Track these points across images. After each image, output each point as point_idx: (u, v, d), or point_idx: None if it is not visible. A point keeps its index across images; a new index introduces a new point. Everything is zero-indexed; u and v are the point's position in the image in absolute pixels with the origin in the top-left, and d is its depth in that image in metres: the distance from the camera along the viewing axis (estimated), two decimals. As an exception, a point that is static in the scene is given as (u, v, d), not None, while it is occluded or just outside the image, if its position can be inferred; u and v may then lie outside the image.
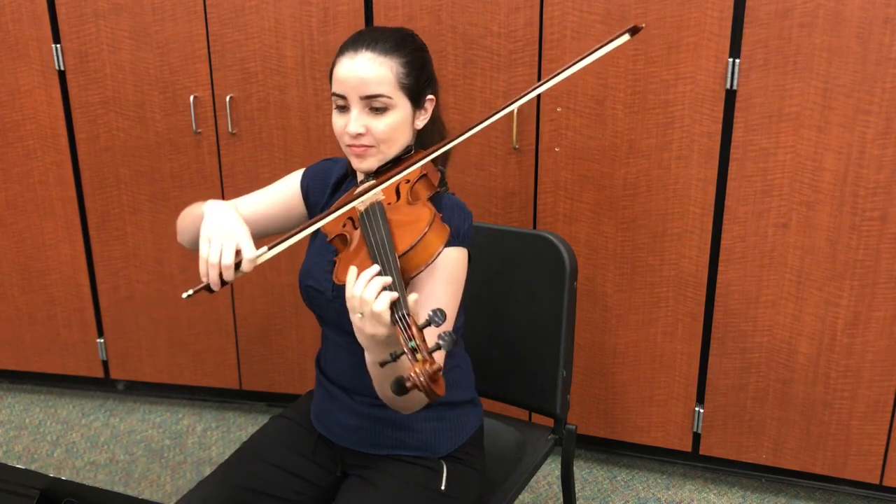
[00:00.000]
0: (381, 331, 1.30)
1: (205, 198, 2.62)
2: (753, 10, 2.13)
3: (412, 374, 1.21)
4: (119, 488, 2.60)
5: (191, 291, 1.39)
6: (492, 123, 1.55)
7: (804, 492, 2.54)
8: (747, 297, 2.35)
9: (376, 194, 1.50)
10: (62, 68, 2.62)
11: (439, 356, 1.42)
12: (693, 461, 2.59)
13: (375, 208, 1.47)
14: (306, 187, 1.73)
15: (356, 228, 1.50)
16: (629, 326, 2.47)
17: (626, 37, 1.54)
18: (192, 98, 2.56)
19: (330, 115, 2.48)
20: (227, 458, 1.72)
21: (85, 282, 2.84)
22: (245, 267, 1.42)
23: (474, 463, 1.69)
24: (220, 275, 1.41)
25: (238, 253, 1.41)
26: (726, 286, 2.36)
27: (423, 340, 1.25)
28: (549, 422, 1.96)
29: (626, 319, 2.47)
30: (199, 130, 2.60)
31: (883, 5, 2.04)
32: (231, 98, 2.54)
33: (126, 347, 2.90)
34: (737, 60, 2.17)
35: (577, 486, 2.55)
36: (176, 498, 2.42)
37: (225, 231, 1.44)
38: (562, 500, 2.02)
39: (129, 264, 2.79)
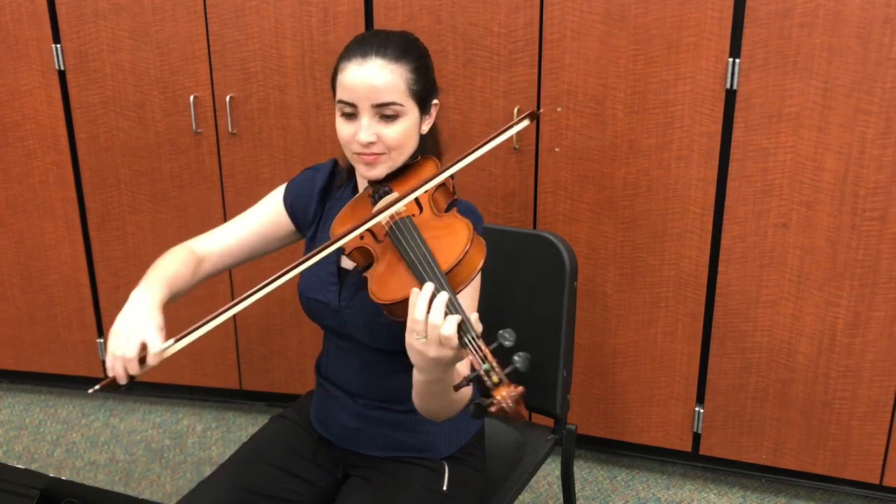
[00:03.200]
0: (447, 353, 1.26)
1: (205, 198, 2.65)
2: (753, 10, 2.13)
3: (498, 399, 1.18)
4: (119, 488, 2.60)
5: (98, 386, 1.41)
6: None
7: (804, 492, 2.54)
8: (747, 297, 2.35)
9: (396, 209, 1.46)
10: (62, 68, 2.62)
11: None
12: (693, 461, 2.59)
13: (406, 222, 1.44)
14: (290, 204, 1.70)
15: (379, 242, 1.47)
16: (629, 326, 2.47)
17: (526, 122, 1.53)
18: (192, 98, 2.56)
19: (330, 115, 2.50)
20: (227, 458, 1.72)
21: (85, 282, 2.84)
22: (150, 361, 1.41)
23: (476, 463, 1.69)
24: (125, 369, 1.41)
25: (143, 347, 1.41)
26: (726, 286, 2.36)
27: (498, 363, 1.21)
28: (549, 422, 1.96)
29: (626, 319, 2.47)
30: (199, 130, 2.60)
31: (883, 5, 2.04)
32: (231, 98, 2.54)
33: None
34: (737, 60, 2.17)
35: (577, 486, 2.55)
36: (176, 498, 2.42)
37: (132, 325, 1.44)
38: (562, 500, 2.02)
39: (129, 264, 2.79)
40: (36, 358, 2.97)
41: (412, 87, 1.53)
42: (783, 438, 2.44)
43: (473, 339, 1.24)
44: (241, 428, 2.88)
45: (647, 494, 2.57)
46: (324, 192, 1.70)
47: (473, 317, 1.27)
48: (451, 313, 1.26)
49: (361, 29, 2.41)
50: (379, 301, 1.38)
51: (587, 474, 2.65)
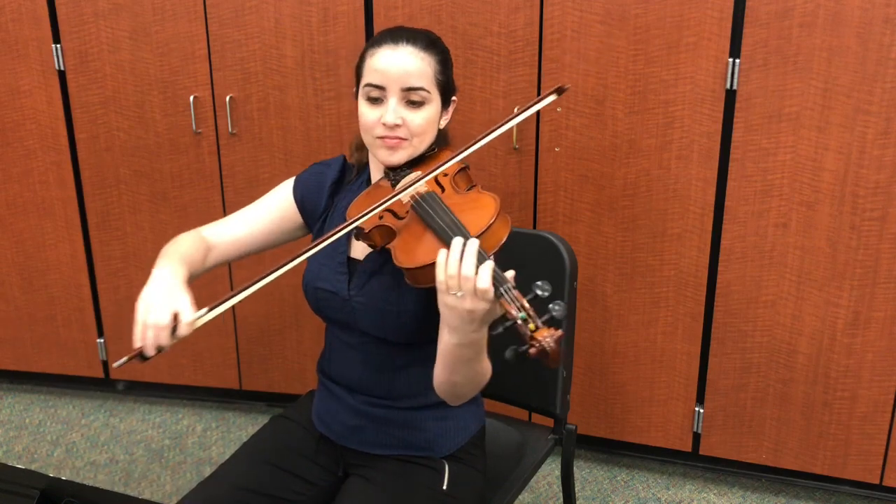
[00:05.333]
0: (484, 306, 1.29)
1: (205, 198, 2.65)
2: (753, 10, 2.13)
3: (537, 340, 1.21)
4: (119, 488, 2.60)
5: (123, 360, 1.40)
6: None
7: (804, 492, 2.54)
8: (747, 297, 2.35)
9: (417, 186, 1.49)
10: (62, 68, 2.62)
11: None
12: (693, 461, 2.59)
13: (433, 195, 1.47)
14: (300, 196, 1.71)
15: (401, 218, 1.49)
16: (629, 326, 2.47)
17: (554, 96, 1.54)
18: (192, 98, 2.56)
19: (329, 115, 2.51)
20: (227, 458, 1.72)
21: (85, 282, 2.84)
22: (182, 331, 1.41)
23: (476, 462, 1.69)
24: (156, 337, 1.40)
25: (175, 316, 1.40)
26: (726, 286, 2.36)
27: (535, 311, 1.24)
28: (549, 422, 1.96)
29: (626, 319, 2.47)
30: (199, 130, 2.60)
31: (883, 5, 2.04)
32: (231, 98, 2.54)
33: (126, 347, 2.86)
34: (737, 60, 2.17)
35: (577, 486, 2.55)
36: (176, 498, 2.42)
37: (162, 295, 1.43)
38: (562, 500, 2.02)
39: (129, 264, 2.79)
40: (36, 358, 2.97)
41: (438, 78, 1.57)
42: (783, 438, 2.44)
43: (509, 289, 1.27)
44: (241, 428, 2.88)
45: (647, 494, 2.57)
46: (334, 186, 1.71)
47: (510, 273, 1.30)
48: (486, 266, 1.28)
49: (361, 29, 2.41)
50: (406, 266, 1.39)
51: (587, 474, 2.65)
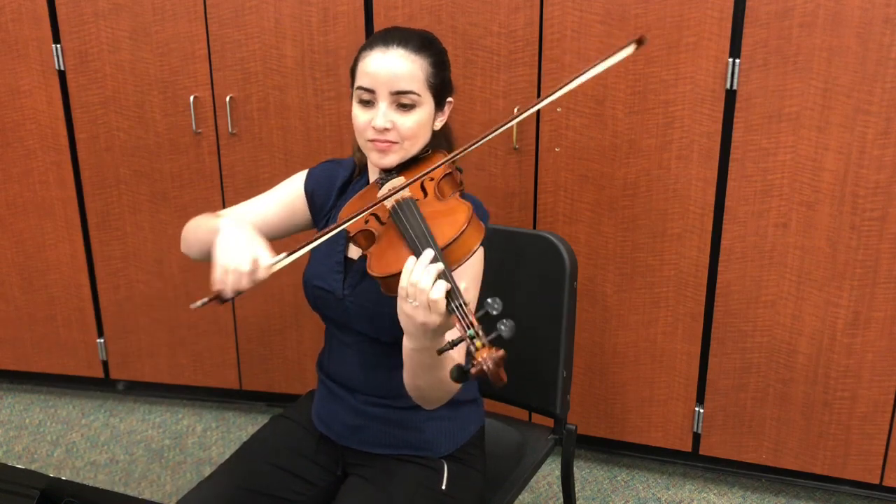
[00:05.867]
0: (435, 319, 1.30)
1: (205, 198, 2.65)
2: (753, 10, 2.13)
3: (478, 361, 1.21)
4: (119, 488, 2.60)
5: (200, 303, 1.40)
6: (493, 124, 1.55)
7: (804, 492, 2.54)
8: (747, 297, 2.35)
9: (399, 192, 1.49)
10: (62, 68, 2.62)
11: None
12: (693, 461, 2.59)
13: (409, 203, 1.47)
14: (311, 190, 1.72)
15: (382, 224, 1.50)
16: (629, 326, 2.47)
17: (633, 47, 1.53)
18: (192, 98, 2.56)
19: (329, 115, 2.51)
20: (227, 458, 1.72)
21: (85, 282, 2.84)
22: (261, 274, 1.41)
23: (475, 462, 1.69)
24: (238, 281, 1.40)
25: (255, 261, 1.41)
26: (726, 286, 2.36)
27: (482, 329, 1.25)
28: (549, 422, 1.96)
29: (626, 319, 2.47)
30: (199, 130, 2.60)
31: (883, 5, 2.04)
32: (231, 98, 2.54)
33: (126, 347, 2.90)
34: (737, 60, 2.17)
35: (577, 486, 2.55)
36: (176, 498, 2.42)
37: (242, 241, 1.43)
38: (562, 500, 2.02)
39: (129, 264, 2.79)
40: (36, 358, 2.97)
41: (430, 80, 1.56)
42: (783, 438, 2.44)
43: (460, 305, 1.28)
44: (241, 428, 2.88)
45: (647, 494, 2.57)
46: (343, 186, 1.72)
47: (463, 285, 1.30)
48: (442, 280, 1.29)
49: (361, 29, 2.41)
50: (375, 274, 1.40)
51: (587, 474, 2.65)
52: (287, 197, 1.72)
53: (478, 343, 1.23)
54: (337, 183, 1.71)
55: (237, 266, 1.40)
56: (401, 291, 1.33)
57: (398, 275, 1.35)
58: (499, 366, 1.21)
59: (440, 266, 1.30)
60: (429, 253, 1.32)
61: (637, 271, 2.42)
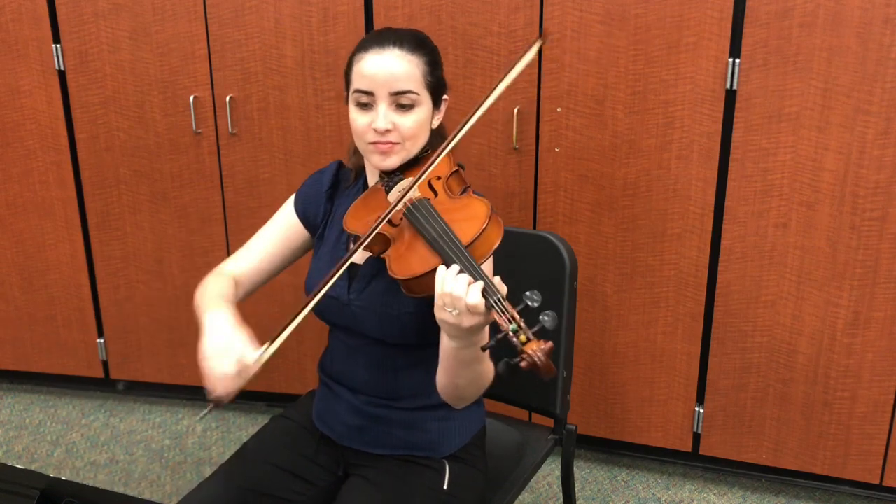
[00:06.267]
0: (480, 320, 1.31)
1: (205, 198, 2.65)
2: (753, 10, 2.13)
3: (528, 353, 1.21)
4: (119, 488, 2.60)
5: (205, 412, 1.46)
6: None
7: (804, 492, 2.54)
8: (747, 297, 2.35)
9: (411, 194, 1.49)
10: (62, 68, 2.62)
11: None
12: (693, 461, 2.59)
13: (424, 202, 1.47)
14: (302, 211, 1.72)
15: (395, 226, 1.49)
16: (629, 326, 2.47)
17: (539, 42, 1.55)
18: (192, 98, 2.56)
19: (329, 115, 2.50)
20: (227, 458, 1.72)
21: (85, 282, 2.84)
22: (251, 370, 1.45)
23: (477, 462, 1.69)
24: (226, 387, 1.44)
25: (239, 362, 1.44)
26: (726, 286, 2.36)
27: (525, 322, 1.25)
28: (549, 422, 1.96)
29: (626, 319, 2.47)
30: (199, 130, 2.60)
31: (883, 5, 2.04)
32: (231, 98, 2.54)
33: (126, 347, 2.90)
34: (737, 60, 2.17)
35: (577, 486, 2.55)
36: (176, 498, 2.42)
37: (223, 344, 1.47)
38: (562, 500, 2.02)
39: (129, 264, 2.79)
40: (36, 358, 2.97)
41: (427, 79, 1.57)
42: (783, 438, 2.44)
43: (499, 300, 1.28)
44: (241, 428, 2.88)
45: (647, 494, 2.57)
46: (331, 191, 1.71)
47: (496, 280, 1.31)
48: (474, 281, 1.29)
49: (361, 29, 2.41)
50: (399, 277, 1.40)
51: (587, 474, 2.65)
52: (283, 228, 1.73)
53: (522, 337, 1.24)
54: (323, 191, 1.71)
55: (223, 373, 1.44)
56: (437, 301, 1.33)
57: (423, 276, 1.35)
58: (549, 356, 1.22)
59: (467, 265, 1.31)
60: (458, 266, 1.32)
61: (637, 271, 2.42)
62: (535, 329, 1.24)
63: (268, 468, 1.66)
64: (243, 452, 1.71)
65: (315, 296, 1.47)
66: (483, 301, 1.29)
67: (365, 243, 1.47)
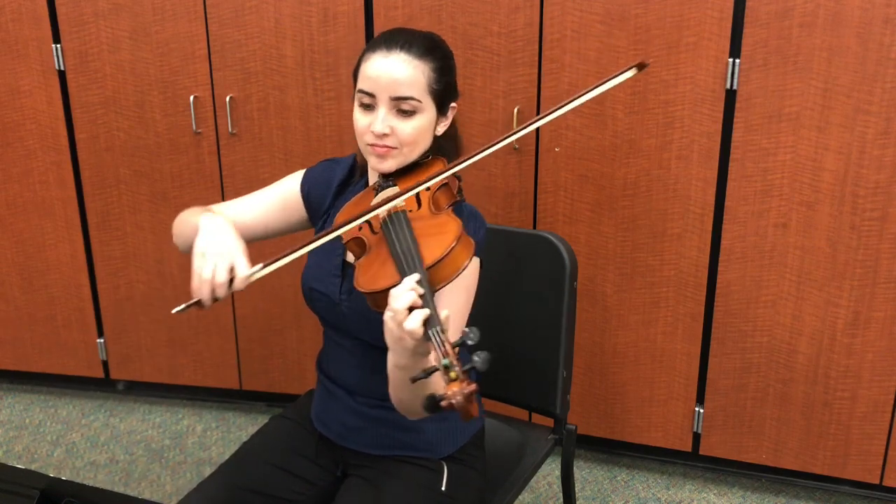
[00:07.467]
0: (410, 343, 1.28)
1: (205, 198, 2.65)
2: (753, 10, 2.13)
3: (448, 394, 1.18)
4: (119, 488, 2.60)
5: (182, 307, 1.39)
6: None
7: (804, 492, 2.54)
8: (747, 297, 2.35)
9: (394, 203, 1.47)
10: (62, 68, 2.62)
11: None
12: (693, 461, 2.59)
13: (400, 216, 1.45)
14: (307, 191, 1.71)
15: (374, 233, 1.48)
16: (629, 326, 2.47)
17: (633, 71, 1.51)
18: (192, 98, 2.56)
19: (329, 115, 2.50)
20: (227, 458, 1.72)
21: (85, 282, 2.84)
22: (238, 284, 1.40)
23: (475, 463, 1.69)
24: (213, 291, 1.40)
25: (231, 270, 1.40)
26: (726, 286, 2.36)
27: (458, 358, 1.22)
28: (549, 422, 1.96)
29: (626, 319, 2.47)
30: (199, 130, 2.60)
31: (883, 5, 2.04)
32: (231, 98, 2.54)
33: (126, 347, 2.90)
34: (737, 60, 2.17)
35: (577, 486, 2.55)
36: (176, 498, 2.42)
37: (219, 247, 1.42)
38: (562, 500, 2.02)
39: (129, 264, 2.79)
40: (36, 358, 2.97)
41: (432, 86, 1.54)
42: (783, 438, 2.44)
43: (437, 333, 1.25)
44: (241, 428, 2.88)
45: (647, 494, 2.57)
46: (341, 186, 1.71)
47: (444, 313, 1.27)
48: (421, 307, 1.27)
49: (361, 29, 2.41)
50: (359, 289, 1.39)
51: (587, 474, 2.65)
52: (282, 196, 1.72)
53: (452, 374, 1.20)
54: (334, 183, 1.70)
55: (213, 276, 1.39)
56: (388, 309, 1.31)
57: (382, 292, 1.33)
58: (469, 401, 1.18)
59: (420, 291, 1.28)
60: (413, 277, 1.30)
61: (637, 271, 2.42)
62: (466, 367, 1.20)
63: (267, 468, 1.66)
64: (243, 452, 1.71)
65: (315, 241, 1.44)
66: (422, 329, 1.25)
67: (336, 234, 1.44)
